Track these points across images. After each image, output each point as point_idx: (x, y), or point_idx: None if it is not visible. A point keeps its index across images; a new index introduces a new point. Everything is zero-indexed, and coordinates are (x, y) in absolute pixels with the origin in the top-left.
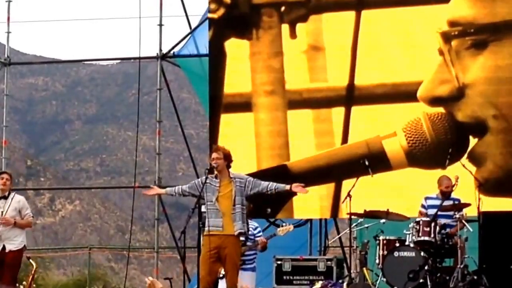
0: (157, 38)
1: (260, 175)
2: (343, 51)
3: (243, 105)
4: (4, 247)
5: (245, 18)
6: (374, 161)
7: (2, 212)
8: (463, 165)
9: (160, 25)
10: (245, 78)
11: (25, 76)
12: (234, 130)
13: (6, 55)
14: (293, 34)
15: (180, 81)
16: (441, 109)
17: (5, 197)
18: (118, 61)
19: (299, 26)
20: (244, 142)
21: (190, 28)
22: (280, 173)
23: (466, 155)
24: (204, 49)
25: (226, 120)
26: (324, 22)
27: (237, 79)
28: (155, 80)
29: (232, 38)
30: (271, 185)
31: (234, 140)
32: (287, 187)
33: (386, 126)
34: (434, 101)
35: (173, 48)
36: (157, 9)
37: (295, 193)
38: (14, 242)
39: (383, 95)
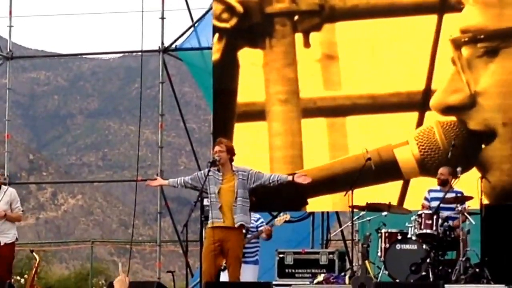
0: (159, 31)
1: (262, 189)
2: (357, 59)
3: (257, 114)
4: None
5: (258, 28)
6: (386, 169)
7: None
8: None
9: (162, 18)
10: (258, 88)
11: (27, 70)
12: (247, 139)
13: (8, 49)
14: (306, 43)
15: (181, 75)
16: (453, 118)
17: None
18: (120, 55)
19: (313, 35)
20: (258, 151)
21: (192, 21)
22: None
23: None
24: (206, 42)
25: (240, 129)
26: (337, 31)
27: (250, 88)
28: (157, 74)
29: (245, 47)
30: (274, 177)
31: (247, 149)
32: (289, 178)
33: (398, 135)
34: (447, 110)
35: (175, 41)
36: (159, 2)
37: (298, 184)
38: (7, 235)
39: (397, 104)
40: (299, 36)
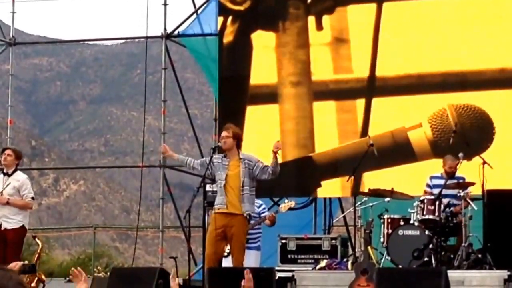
0: (161, 17)
1: (284, 166)
2: (368, 42)
3: (269, 96)
4: (1, 225)
5: (271, 10)
6: (399, 151)
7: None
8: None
9: (165, 4)
10: (270, 70)
11: (29, 56)
12: (259, 121)
13: (11, 35)
14: (319, 26)
15: (184, 61)
16: (466, 100)
17: (8, 174)
18: (122, 41)
19: (325, 18)
20: (269, 133)
21: (195, 7)
22: (304, 164)
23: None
24: (209, 28)
25: (251, 111)
26: (349, 14)
27: (262, 70)
28: (159, 60)
29: (259, 30)
30: (272, 168)
31: (259, 131)
32: (273, 158)
33: (411, 117)
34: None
35: (177, 27)
36: None
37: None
38: (11, 220)
39: (408, 85)
40: (311, 19)
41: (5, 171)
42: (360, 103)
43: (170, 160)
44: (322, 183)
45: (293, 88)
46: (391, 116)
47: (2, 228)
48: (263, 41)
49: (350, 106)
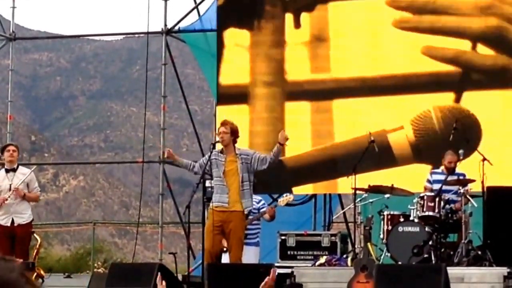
0: (162, 13)
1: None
2: (349, 41)
3: (239, 96)
4: (13, 221)
5: (246, 8)
6: (379, 155)
7: (10, 185)
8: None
9: (165, 0)
10: (242, 69)
11: (29, 51)
12: None
13: (11, 30)
14: (297, 24)
15: (184, 57)
16: (452, 102)
17: (14, 170)
18: (122, 37)
19: (303, 16)
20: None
21: (195, 3)
22: (275, 169)
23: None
24: (209, 24)
25: (222, 112)
26: (330, 11)
27: (234, 70)
28: (159, 56)
29: (231, 28)
30: (272, 157)
31: None
32: (278, 146)
33: (393, 119)
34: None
35: (178, 23)
36: None
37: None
38: (23, 216)
39: (391, 86)
40: (289, 17)
41: (9, 167)
42: (337, 104)
43: None
44: (322, 179)
45: (265, 88)
46: (371, 118)
47: (16, 224)
48: (235, 39)
49: (325, 107)
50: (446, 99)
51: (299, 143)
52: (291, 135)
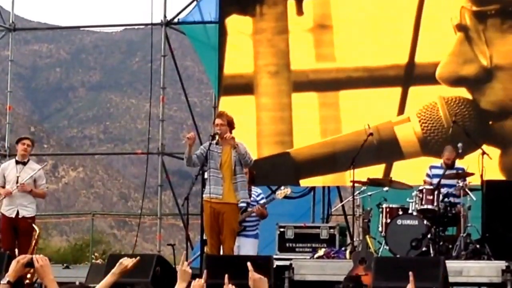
0: (161, 5)
1: (261, 163)
2: (352, 29)
3: (244, 87)
4: (18, 213)
5: None
6: (386, 148)
7: (18, 177)
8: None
9: None
10: (247, 58)
11: (29, 43)
12: (233, 113)
13: (11, 21)
14: (299, 11)
15: (183, 49)
16: (458, 93)
17: (24, 163)
18: (122, 28)
19: (306, 2)
20: (244, 127)
21: None
22: (282, 161)
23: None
24: (209, 16)
25: (225, 103)
26: None
27: (238, 59)
28: (159, 48)
29: (234, 14)
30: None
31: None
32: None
33: (399, 111)
34: (458, 81)
35: (177, 15)
36: None
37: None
38: (28, 208)
39: (396, 77)
40: (291, 3)
41: (20, 160)
42: (343, 95)
43: (169, 148)
44: (321, 172)
45: (270, 79)
46: (377, 109)
47: (20, 216)
48: (238, 27)
49: (332, 98)
50: (451, 90)
51: (309, 135)
52: (300, 128)
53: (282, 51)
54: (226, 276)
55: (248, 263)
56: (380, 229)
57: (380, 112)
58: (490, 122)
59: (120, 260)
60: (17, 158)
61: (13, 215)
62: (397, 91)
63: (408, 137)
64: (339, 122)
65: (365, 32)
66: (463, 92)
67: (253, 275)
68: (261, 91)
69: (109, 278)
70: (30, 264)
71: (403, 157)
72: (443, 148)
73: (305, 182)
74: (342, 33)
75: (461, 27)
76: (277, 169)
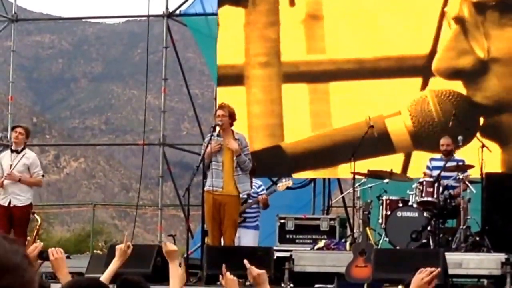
0: None
1: (253, 156)
2: (343, 20)
3: (235, 78)
4: (10, 202)
5: None
6: (377, 142)
7: (11, 165)
8: (481, 143)
9: None
10: (238, 49)
11: (32, 33)
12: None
13: (13, 12)
14: (292, 2)
15: (185, 41)
16: (452, 86)
17: (18, 151)
18: (124, 20)
19: None
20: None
21: None
22: (274, 154)
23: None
24: (211, 8)
25: (222, 93)
26: None
27: (229, 49)
28: (161, 39)
29: (226, 5)
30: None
31: None
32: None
33: (390, 104)
34: (454, 74)
35: (179, 6)
36: None
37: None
38: (20, 197)
39: (387, 69)
40: None
41: (14, 148)
42: (333, 86)
43: (170, 139)
44: (322, 165)
45: (261, 69)
46: (368, 101)
47: (12, 205)
48: (230, 18)
49: (323, 90)
50: (441, 83)
51: (299, 127)
52: (290, 119)
53: (273, 41)
54: (224, 266)
55: (245, 261)
56: (380, 221)
57: (371, 105)
58: (483, 116)
59: (116, 247)
60: (11, 147)
61: (6, 204)
62: (388, 83)
63: (399, 130)
64: (329, 114)
65: (357, 24)
66: (455, 86)
67: (252, 271)
68: (252, 83)
69: (113, 265)
70: (45, 256)
71: (394, 151)
72: (433, 142)
73: (305, 175)
74: (333, 24)
75: (458, 20)
76: (275, 162)
